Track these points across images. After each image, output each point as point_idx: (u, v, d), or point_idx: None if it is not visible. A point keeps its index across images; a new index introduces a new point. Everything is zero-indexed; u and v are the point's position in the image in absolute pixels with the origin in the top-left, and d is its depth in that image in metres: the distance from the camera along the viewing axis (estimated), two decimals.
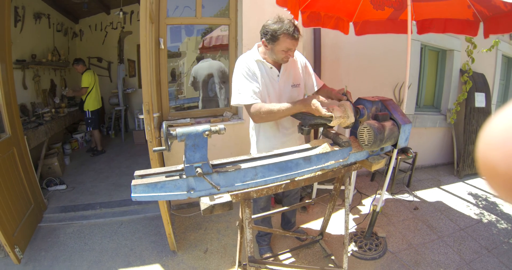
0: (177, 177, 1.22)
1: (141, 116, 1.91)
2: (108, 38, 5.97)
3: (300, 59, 1.85)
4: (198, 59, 3.62)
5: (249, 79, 1.63)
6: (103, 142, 4.85)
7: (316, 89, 1.88)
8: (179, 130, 1.18)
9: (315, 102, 1.44)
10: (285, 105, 1.53)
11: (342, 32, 2.83)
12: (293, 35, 1.53)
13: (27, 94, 4.01)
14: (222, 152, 2.79)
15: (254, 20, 2.71)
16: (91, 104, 4.51)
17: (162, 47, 2.60)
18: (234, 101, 1.66)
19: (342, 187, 1.87)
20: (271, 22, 1.56)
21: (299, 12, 2.46)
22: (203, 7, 3.33)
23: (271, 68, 1.69)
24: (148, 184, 1.21)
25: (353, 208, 2.97)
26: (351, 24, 2.88)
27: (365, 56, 3.44)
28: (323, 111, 1.42)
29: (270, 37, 1.55)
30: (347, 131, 2.22)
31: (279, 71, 1.72)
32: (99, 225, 2.67)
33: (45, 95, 4.41)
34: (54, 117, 3.95)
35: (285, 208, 1.86)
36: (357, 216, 2.85)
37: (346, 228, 1.80)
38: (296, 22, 1.59)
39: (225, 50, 3.02)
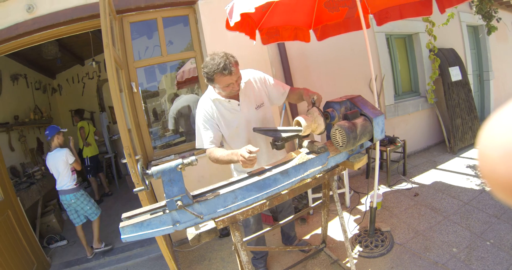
0: (161, 213, 1.25)
1: (123, 161, 1.94)
2: (87, 88, 6.11)
3: (255, 77, 1.85)
4: (172, 100, 3.68)
5: (206, 126, 1.72)
6: (100, 191, 4.84)
7: (285, 96, 1.90)
8: (154, 169, 1.22)
9: (242, 155, 1.43)
10: (224, 154, 1.59)
11: (303, 41, 2.94)
12: (223, 72, 1.52)
13: (15, 155, 4.05)
14: (212, 182, 2.79)
15: (218, 47, 2.78)
16: (89, 150, 4.72)
17: (135, 90, 2.68)
18: (196, 146, 1.80)
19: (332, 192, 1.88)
20: (205, 63, 1.59)
21: (257, 31, 2.56)
22: (172, 43, 3.45)
23: (229, 101, 1.73)
24: (135, 224, 1.24)
25: (353, 209, 2.96)
26: (311, 31, 2.99)
27: (333, 58, 3.55)
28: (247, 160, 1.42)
29: (207, 80, 1.62)
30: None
31: (239, 100, 1.74)
32: None
33: (33, 154, 4.44)
34: (45, 175, 3.95)
35: (280, 223, 1.87)
36: (358, 216, 2.83)
37: (344, 231, 1.81)
38: (229, 57, 1.58)
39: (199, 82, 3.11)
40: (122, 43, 2.69)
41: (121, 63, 2.48)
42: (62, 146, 2.99)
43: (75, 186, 2.90)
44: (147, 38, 3.95)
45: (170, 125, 3.44)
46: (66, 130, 3.13)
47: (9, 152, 3.91)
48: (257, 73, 1.88)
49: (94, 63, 4.68)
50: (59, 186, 2.88)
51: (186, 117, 3.38)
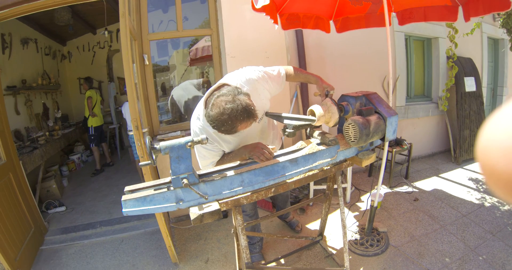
0: (165, 189, 1.24)
1: (130, 133, 1.92)
2: (97, 57, 6.04)
3: (255, 81, 1.56)
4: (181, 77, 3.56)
5: (209, 151, 1.58)
6: (102, 161, 4.87)
7: (283, 84, 1.73)
8: (162, 144, 1.19)
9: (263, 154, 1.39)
10: (233, 157, 1.53)
11: (323, 31, 2.86)
12: (250, 120, 1.26)
13: (21, 120, 4.04)
14: None
15: (235, 27, 2.74)
16: (94, 120, 4.66)
17: (147, 63, 2.63)
18: (201, 167, 1.63)
19: (336, 186, 1.87)
20: (217, 119, 1.23)
21: (277, 15, 2.49)
22: (187, 19, 3.36)
23: None
24: (138, 198, 1.22)
25: (352, 206, 2.96)
26: (331, 22, 2.91)
27: (350, 52, 3.46)
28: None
29: (226, 132, 1.28)
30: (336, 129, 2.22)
31: None
32: (100, 243, 2.67)
33: (38, 119, 4.44)
34: (49, 140, 3.96)
35: (278, 212, 1.86)
36: (357, 213, 2.83)
37: (343, 226, 1.80)
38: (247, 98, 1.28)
39: (211, 61, 3.04)
40: (138, 14, 2.62)
41: (135, 34, 2.42)
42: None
43: None
44: (162, 12, 3.87)
45: (173, 115, 3.34)
46: None
47: (14, 116, 3.90)
48: (255, 74, 1.57)
49: (106, 32, 4.60)
50: (130, 128, 3.62)
51: (186, 103, 3.26)
